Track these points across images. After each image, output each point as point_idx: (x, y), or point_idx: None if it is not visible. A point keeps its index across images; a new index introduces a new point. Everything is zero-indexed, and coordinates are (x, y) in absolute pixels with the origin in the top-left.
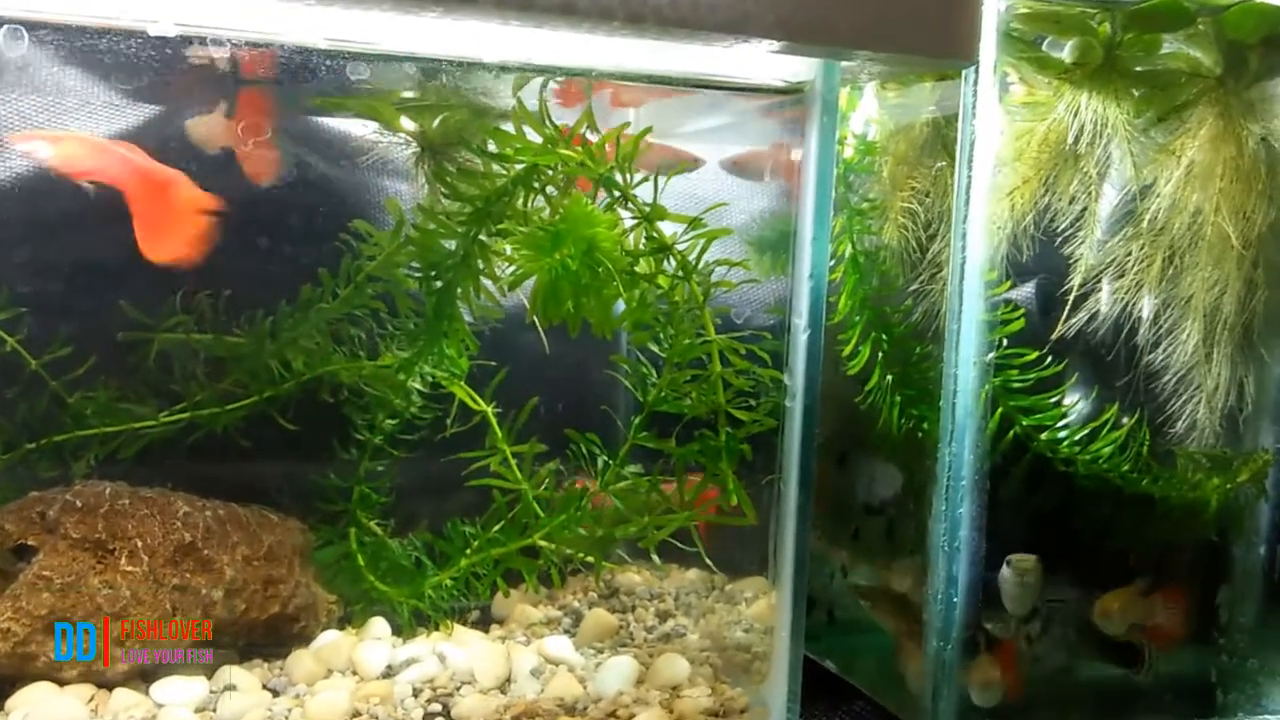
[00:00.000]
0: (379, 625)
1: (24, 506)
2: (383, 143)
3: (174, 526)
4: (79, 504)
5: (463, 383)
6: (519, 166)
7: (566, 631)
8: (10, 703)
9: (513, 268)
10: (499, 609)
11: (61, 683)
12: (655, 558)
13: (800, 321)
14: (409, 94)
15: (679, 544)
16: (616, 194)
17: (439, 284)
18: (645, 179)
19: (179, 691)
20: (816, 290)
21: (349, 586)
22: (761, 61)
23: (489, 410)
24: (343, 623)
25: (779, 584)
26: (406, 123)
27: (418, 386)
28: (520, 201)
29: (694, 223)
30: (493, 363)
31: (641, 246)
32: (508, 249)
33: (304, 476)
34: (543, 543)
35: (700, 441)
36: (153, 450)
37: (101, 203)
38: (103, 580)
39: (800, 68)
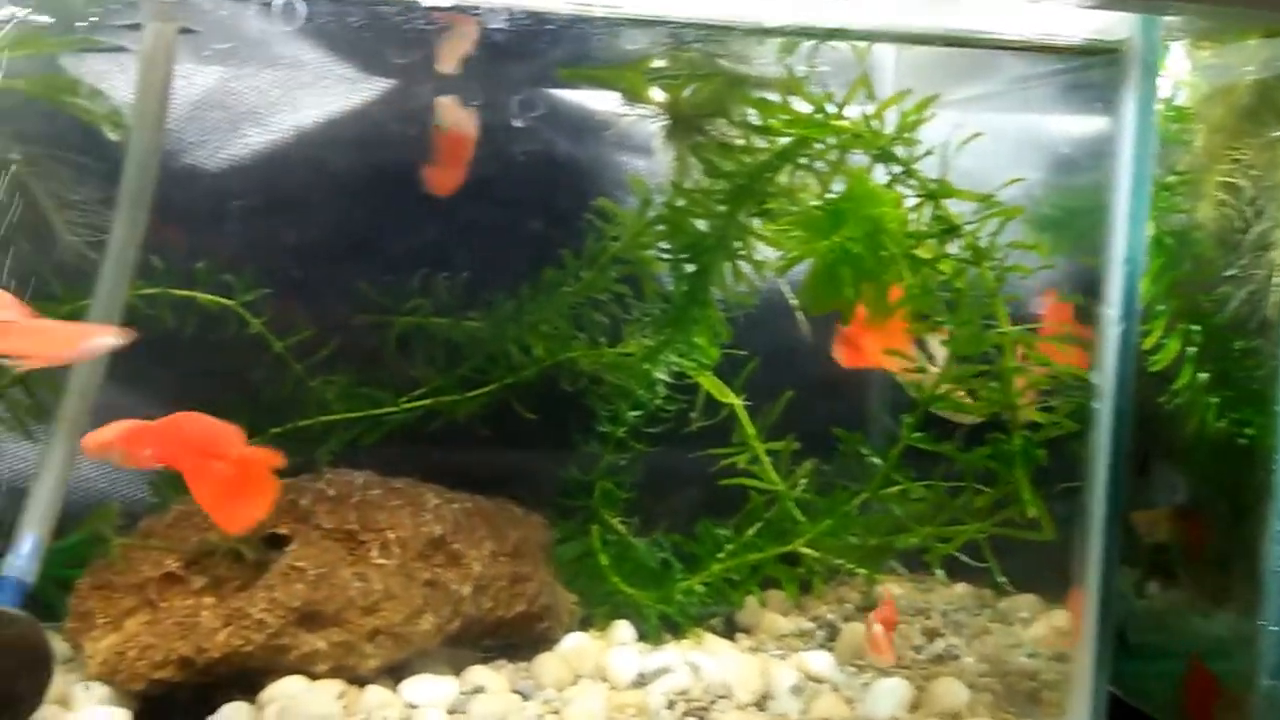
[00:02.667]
0: (624, 629)
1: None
2: (629, 115)
3: (424, 519)
4: (331, 493)
5: (710, 373)
6: (783, 140)
7: (821, 645)
8: (263, 695)
9: (777, 250)
10: (744, 617)
11: (313, 676)
12: (939, 572)
13: (1112, 312)
14: (659, 62)
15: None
16: (898, 169)
17: (692, 267)
18: (929, 152)
19: (430, 691)
20: (1131, 276)
21: (591, 587)
22: (1063, 17)
23: (738, 403)
24: (583, 624)
25: (1083, 608)
26: (655, 93)
27: (663, 376)
28: (785, 178)
29: (986, 200)
30: (743, 352)
31: (925, 227)
32: (762, 228)
33: (543, 469)
34: (805, 550)
35: (992, 445)
36: (392, 438)
37: (339, 184)
38: (354, 572)
39: (1111, 23)
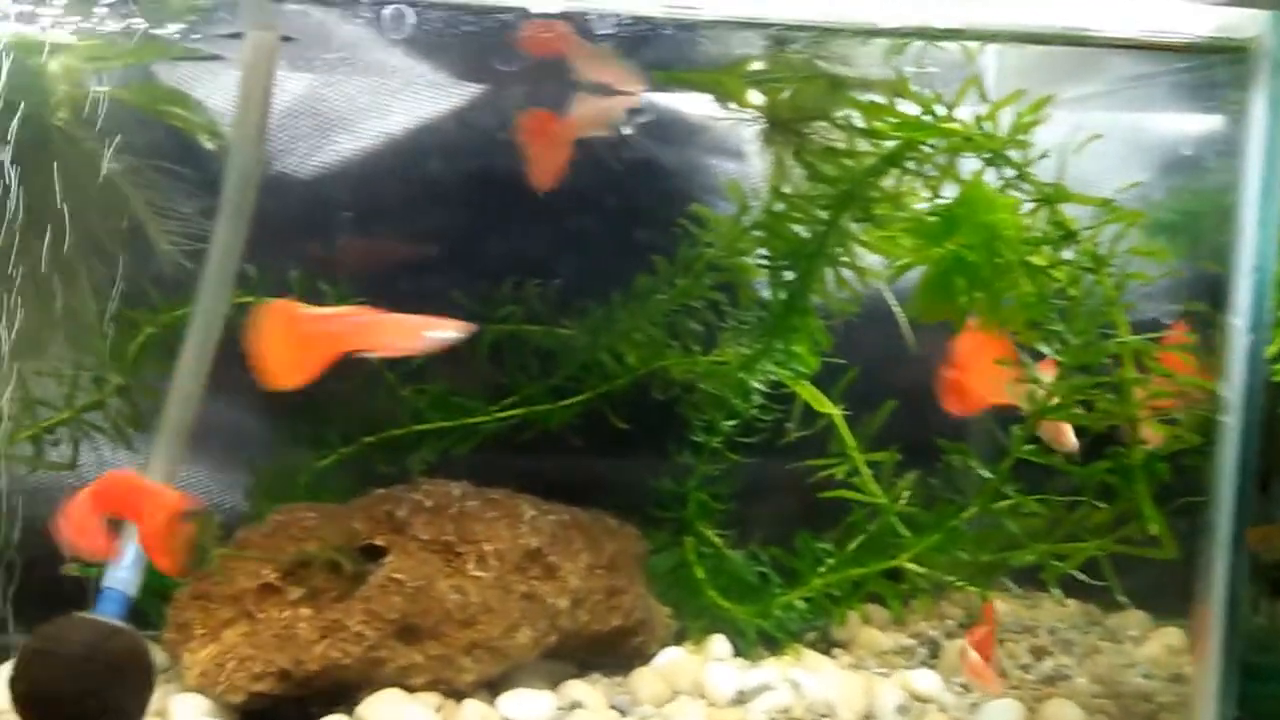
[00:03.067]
0: (720, 644)
1: (371, 504)
2: (725, 119)
3: (521, 531)
4: (428, 504)
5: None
6: (890, 144)
7: (923, 663)
8: (361, 709)
9: (879, 257)
10: (840, 632)
11: (410, 690)
12: (1056, 590)
13: (1240, 322)
14: (757, 65)
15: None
16: (1011, 174)
17: (792, 274)
18: (1044, 155)
19: (527, 706)
20: (1261, 285)
21: (685, 600)
22: (1183, 14)
23: (837, 413)
24: (677, 639)
25: (1208, 629)
26: (753, 96)
27: (759, 386)
28: (890, 183)
29: (1105, 205)
30: (842, 360)
31: (1041, 233)
32: (866, 234)
33: (635, 479)
34: (910, 565)
35: (1112, 459)
36: (483, 447)
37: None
38: (451, 585)
39: (1238, 20)
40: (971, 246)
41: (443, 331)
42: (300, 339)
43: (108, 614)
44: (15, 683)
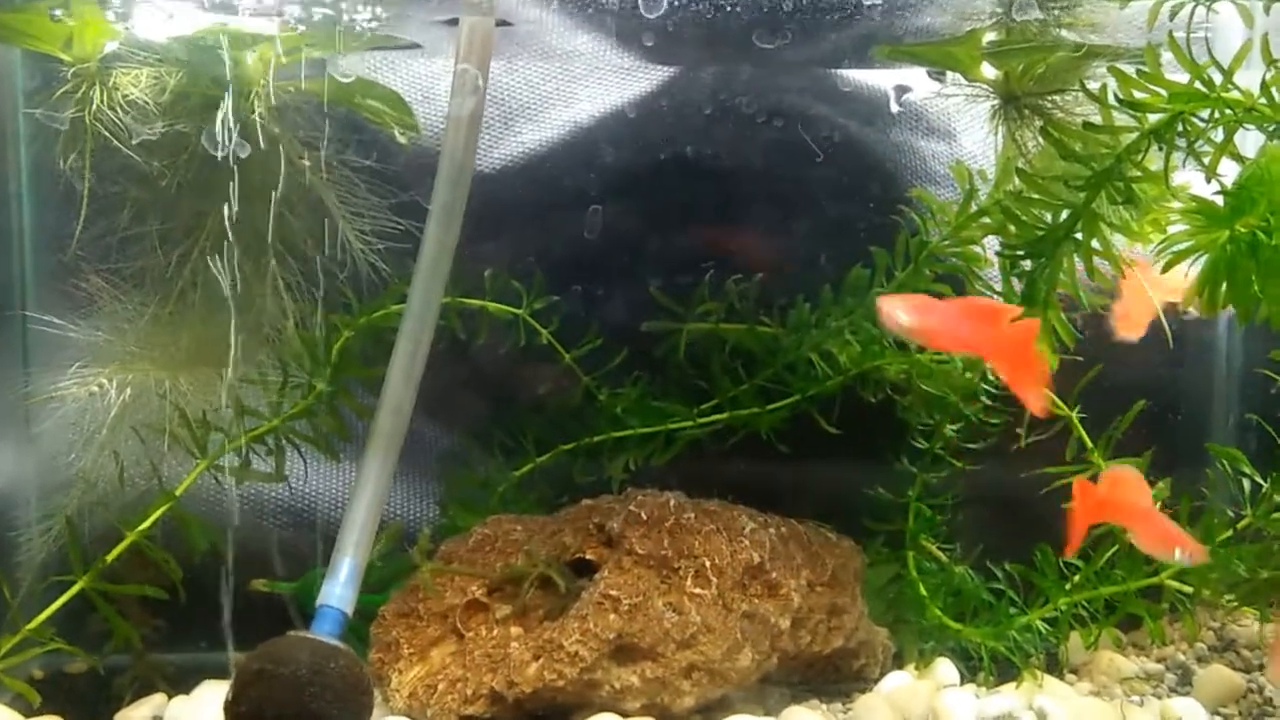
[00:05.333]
0: (947, 668)
1: (580, 516)
2: (953, 95)
3: (741, 545)
4: (643, 516)
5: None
6: (1154, 117)
7: (1172, 690)
8: None
9: (1138, 243)
10: (1073, 656)
11: (624, 714)
12: None
13: None
14: (992, 35)
15: None
16: None
17: (1033, 264)
18: None
19: None
20: None
21: (905, 619)
22: None
23: (1073, 415)
24: (896, 661)
25: None
26: (986, 70)
27: (986, 386)
28: (1152, 161)
29: None
30: (1079, 358)
31: None
32: (1125, 218)
33: (848, 487)
34: (1171, 582)
35: None
36: (683, 454)
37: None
38: (668, 603)
39: None
40: (1268, 229)
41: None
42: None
43: (325, 633)
44: (234, 703)
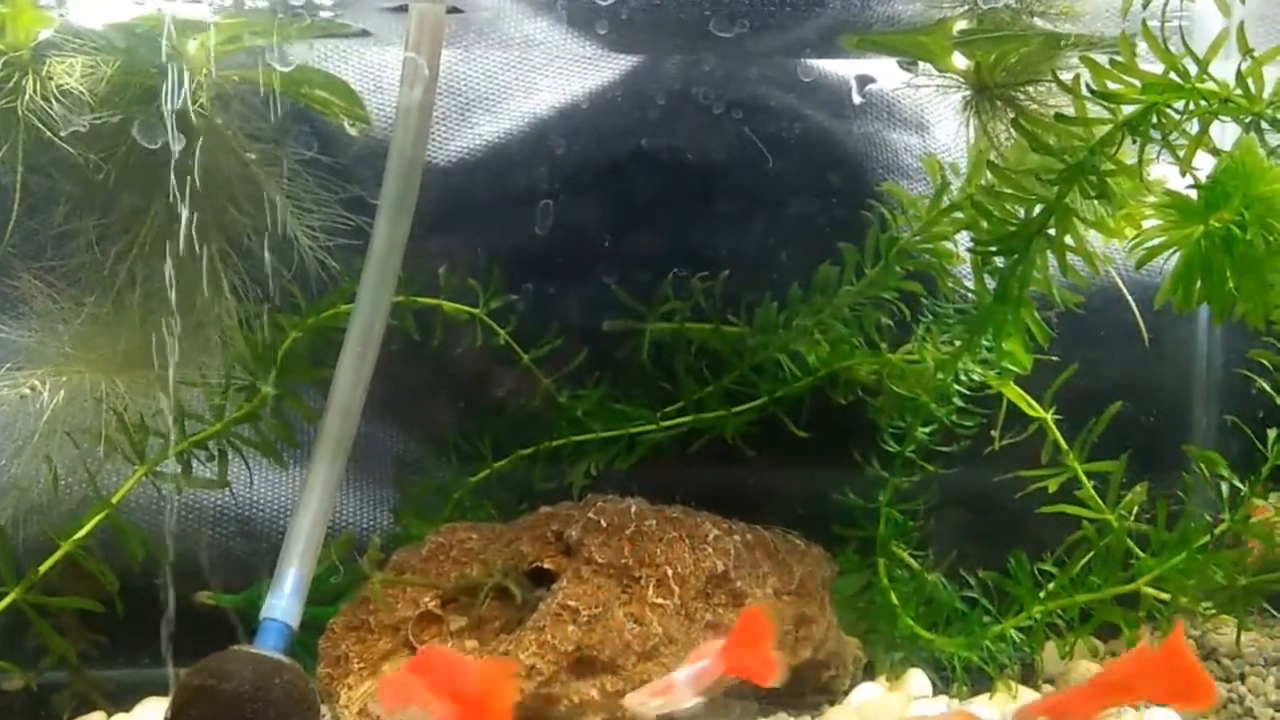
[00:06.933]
0: (919, 679)
1: (538, 524)
2: (924, 86)
3: (704, 553)
4: (603, 523)
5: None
6: (1128, 109)
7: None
8: None
9: (1110, 239)
10: (1049, 665)
11: None
12: None
13: None
14: (963, 24)
15: None
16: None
17: (1005, 260)
18: None
19: None
20: None
21: (876, 628)
22: None
23: (1048, 417)
24: (866, 672)
25: None
26: (957, 60)
27: (959, 387)
28: (1126, 155)
29: None
30: (1054, 357)
31: None
32: (1097, 213)
33: (815, 493)
34: (1149, 590)
35: None
36: (649, 459)
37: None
38: (629, 613)
39: None
40: (1243, 223)
41: None
42: None
43: (269, 647)
44: None
